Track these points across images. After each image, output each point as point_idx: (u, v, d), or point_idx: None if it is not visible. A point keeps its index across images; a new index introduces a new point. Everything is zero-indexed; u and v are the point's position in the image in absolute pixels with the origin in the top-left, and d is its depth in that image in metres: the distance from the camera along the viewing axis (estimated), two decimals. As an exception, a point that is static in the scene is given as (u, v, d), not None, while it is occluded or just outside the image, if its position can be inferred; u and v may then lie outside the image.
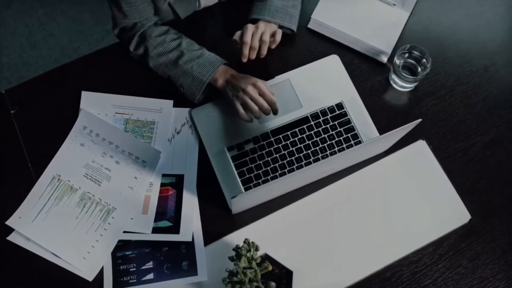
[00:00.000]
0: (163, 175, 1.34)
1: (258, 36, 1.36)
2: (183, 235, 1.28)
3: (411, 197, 1.33)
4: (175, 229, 1.29)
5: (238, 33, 1.37)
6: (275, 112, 1.32)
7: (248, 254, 1.11)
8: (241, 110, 1.30)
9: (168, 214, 1.31)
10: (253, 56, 1.37)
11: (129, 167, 1.34)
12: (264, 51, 1.38)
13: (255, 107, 1.30)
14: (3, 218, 1.29)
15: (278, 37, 1.38)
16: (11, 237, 1.28)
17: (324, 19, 1.47)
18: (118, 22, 1.39)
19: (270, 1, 1.41)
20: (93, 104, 1.40)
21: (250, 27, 1.35)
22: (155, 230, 1.29)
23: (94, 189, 1.32)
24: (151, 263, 1.27)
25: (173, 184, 1.34)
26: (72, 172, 1.34)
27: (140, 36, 1.40)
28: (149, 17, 1.39)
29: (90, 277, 1.26)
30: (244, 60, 1.36)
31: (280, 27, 1.42)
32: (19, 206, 1.30)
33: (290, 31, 1.45)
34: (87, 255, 1.27)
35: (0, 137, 1.38)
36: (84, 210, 1.30)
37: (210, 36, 1.49)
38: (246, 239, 1.13)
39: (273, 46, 1.40)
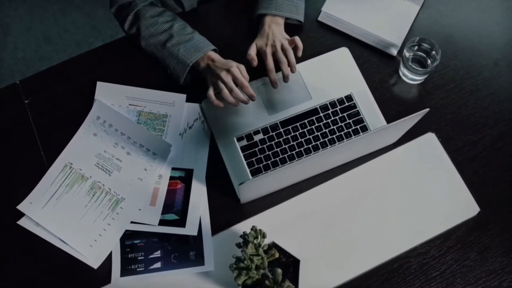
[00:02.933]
0: (173, 169, 1.36)
1: (279, 52, 1.37)
2: (189, 229, 1.30)
3: (420, 189, 1.33)
4: (181, 222, 1.30)
5: (253, 50, 1.38)
6: (251, 98, 1.32)
7: (255, 241, 1.12)
8: (212, 97, 1.31)
9: (175, 207, 1.32)
10: (287, 71, 1.37)
11: (139, 158, 1.36)
12: (294, 60, 1.37)
13: (229, 97, 1.30)
14: (15, 203, 1.31)
15: (299, 42, 1.37)
16: (21, 222, 1.30)
17: (334, 12, 1.48)
18: (115, 0, 1.41)
19: None
20: (108, 95, 1.42)
21: (268, 52, 1.36)
22: (162, 223, 1.30)
23: (105, 179, 1.34)
24: (159, 252, 1.29)
25: (182, 178, 1.35)
26: (84, 161, 1.35)
27: (135, 15, 1.41)
28: None
29: (95, 265, 1.27)
30: (276, 86, 1.38)
31: (287, 19, 1.43)
32: (31, 192, 1.32)
33: (297, 21, 1.46)
34: (93, 243, 1.28)
35: (14, 126, 1.40)
36: (93, 199, 1.32)
37: (215, 29, 1.50)
38: (253, 226, 1.13)
39: (299, 54, 1.38)
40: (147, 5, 1.42)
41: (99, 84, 1.43)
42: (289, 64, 1.36)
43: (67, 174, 1.34)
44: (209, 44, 1.38)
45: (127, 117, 1.39)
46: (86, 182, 1.34)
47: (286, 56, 1.37)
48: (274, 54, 1.37)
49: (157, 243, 1.29)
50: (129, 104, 1.41)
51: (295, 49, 1.38)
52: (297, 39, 1.37)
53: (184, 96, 1.41)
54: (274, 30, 1.39)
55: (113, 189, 1.33)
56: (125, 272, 1.27)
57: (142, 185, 1.33)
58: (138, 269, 1.27)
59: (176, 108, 1.41)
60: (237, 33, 1.49)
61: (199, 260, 1.27)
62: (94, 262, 1.28)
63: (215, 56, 1.36)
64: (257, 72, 1.41)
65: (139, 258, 1.28)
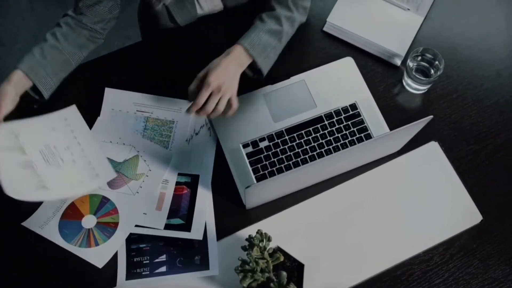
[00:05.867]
0: (179, 174, 1.37)
1: (215, 101, 1.29)
2: (194, 234, 1.30)
3: (423, 197, 1.34)
4: (187, 227, 1.31)
5: (194, 84, 1.31)
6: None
7: (260, 244, 1.13)
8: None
9: (181, 212, 1.33)
10: (211, 116, 1.31)
11: (80, 171, 1.36)
12: (213, 116, 1.31)
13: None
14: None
15: (235, 104, 1.32)
16: (26, 223, 1.31)
17: (339, 22, 1.51)
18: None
19: (257, 31, 1.35)
20: (115, 101, 1.44)
21: (212, 87, 1.28)
22: (168, 227, 1.31)
23: (42, 165, 1.33)
24: (164, 256, 1.29)
25: (188, 184, 1.36)
26: (31, 140, 1.34)
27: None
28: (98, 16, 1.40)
29: (100, 264, 1.28)
30: (189, 114, 1.32)
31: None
32: None
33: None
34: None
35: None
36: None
37: (212, 44, 1.50)
38: (259, 229, 1.15)
39: (230, 114, 1.33)
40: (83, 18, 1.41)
41: (107, 90, 1.45)
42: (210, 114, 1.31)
43: (10, 139, 1.32)
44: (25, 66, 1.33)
45: (92, 134, 1.40)
46: (22, 156, 1.32)
47: (217, 109, 1.30)
48: (211, 95, 1.29)
49: (163, 247, 1.30)
50: (137, 110, 1.43)
51: (228, 106, 1.32)
52: (234, 99, 1.32)
53: (190, 102, 1.43)
54: (232, 73, 1.32)
55: (43, 176, 1.31)
56: (130, 275, 1.27)
57: (143, 189, 1.35)
58: (143, 273, 1.28)
59: (183, 114, 1.43)
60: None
61: (204, 264, 1.28)
62: (99, 261, 1.28)
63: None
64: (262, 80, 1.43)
65: (144, 262, 1.29)
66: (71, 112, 1.41)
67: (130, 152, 1.39)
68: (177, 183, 1.36)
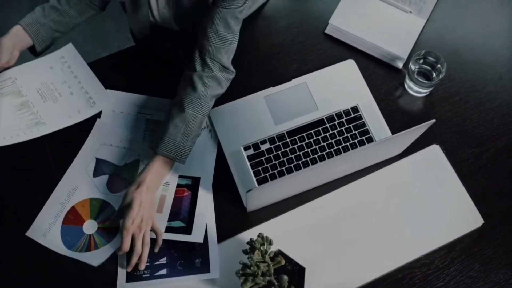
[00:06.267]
0: (180, 177, 1.36)
1: (141, 239, 1.25)
2: (195, 236, 1.30)
3: (424, 200, 1.34)
4: (188, 230, 1.31)
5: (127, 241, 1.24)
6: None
7: (261, 248, 1.13)
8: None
9: (182, 214, 1.33)
10: (134, 261, 1.25)
11: (78, 101, 1.42)
12: (145, 256, 1.25)
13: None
14: None
15: (160, 240, 1.27)
16: (30, 233, 1.30)
17: (341, 24, 1.50)
18: None
19: (166, 133, 1.28)
20: (116, 103, 1.44)
21: (131, 230, 1.23)
22: (168, 230, 1.31)
23: (38, 103, 1.40)
24: (164, 258, 1.29)
25: (189, 186, 1.36)
26: (28, 81, 1.42)
27: None
28: None
29: (96, 263, 1.26)
30: (129, 269, 1.26)
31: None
32: None
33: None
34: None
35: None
36: (17, 113, 1.39)
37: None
38: (260, 233, 1.14)
39: (156, 250, 1.28)
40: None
41: (109, 92, 1.45)
42: (139, 258, 1.25)
43: (7, 84, 1.40)
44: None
45: (90, 69, 1.45)
46: (19, 98, 1.40)
47: (143, 250, 1.25)
48: (134, 237, 1.24)
49: (163, 249, 1.29)
50: (138, 112, 1.43)
51: (153, 240, 1.28)
52: (159, 233, 1.28)
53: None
54: (147, 202, 1.26)
55: (40, 112, 1.39)
56: (130, 278, 1.27)
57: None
58: (143, 275, 1.27)
59: None
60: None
61: (204, 267, 1.28)
62: (95, 261, 1.27)
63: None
64: (263, 82, 1.42)
65: (145, 264, 1.29)
66: (68, 50, 1.48)
67: (131, 156, 1.38)
68: (178, 186, 1.36)
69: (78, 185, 1.35)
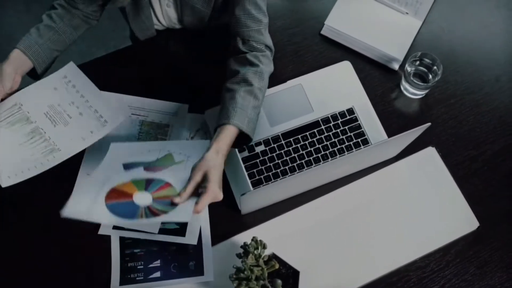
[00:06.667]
0: None
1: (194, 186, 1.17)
2: (189, 238, 1.29)
3: (420, 202, 1.33)
4: (181, 231, 1.30)
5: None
6: None
7: (255, 252, 1.12)
8: None
9: None
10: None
11: (89, 121, 1.35)
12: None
13: None
14: None
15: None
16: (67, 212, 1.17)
17: (337, 25, 1.50)
18: None
19: (232, 101, 1.27)
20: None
21: (217, 195, 1.17)
22: (162, 231, 1.30)
23: (48, 128, 1.34)
24: (158, 261, 1.28)
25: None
26: (34, 106, 1.36)
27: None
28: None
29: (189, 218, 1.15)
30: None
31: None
32: None
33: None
34: None
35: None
36: (30, 141, 1.33)
37: (211, 47, 1.51)
38: (254, 237, 1.14)
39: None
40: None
41: (102, 94, 1.43)
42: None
43: (13, 112, 1.35)
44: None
45: (94, 85, 1.39)
46: (29, 125, 1.34)
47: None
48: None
49: (157, 252, 1.29)
50: (132, 114, 1.42)
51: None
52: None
53: (186, 106, 1.42)
54: (220, 165, 1.22)
55: (52, 138, 1.33)
56: (124, 280, 1.26)
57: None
58: (137, 278, 1.27)
59: (179, 118, 1.41)
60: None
61: (198, 270, 1.27)
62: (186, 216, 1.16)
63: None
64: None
65: (138, 267, 1.28)
66: (70, 69, 1.41)
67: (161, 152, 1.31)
68: (173, 187, 1.35)
69: (109, 174, 1.25)
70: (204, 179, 1.17)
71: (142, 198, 1.18)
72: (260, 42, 1.35)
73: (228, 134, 1.24)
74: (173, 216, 1.15)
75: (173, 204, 1.15)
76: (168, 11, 1.48)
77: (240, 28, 1.34)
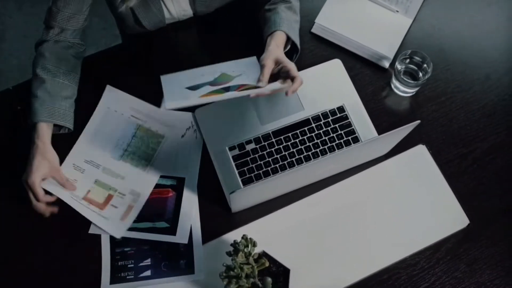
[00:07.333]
0: (164, 177, 1.36)
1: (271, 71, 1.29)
2: (179, 237, 1.29)
3: (410, 200, 1.34)
4: (172, 230, 1.30)
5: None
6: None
7: (245, 250, 1.12)
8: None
9: (166, 215, 1.32)
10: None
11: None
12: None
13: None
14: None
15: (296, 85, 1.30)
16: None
17: (327, 24, 1.50)
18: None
19: (277, 14, 1.38)
20: (113, 100, 1.42)
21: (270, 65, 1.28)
22: (152, 230, 1.30)
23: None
24: (149, 260, 1.28)
25: (174, 186, 1.35)
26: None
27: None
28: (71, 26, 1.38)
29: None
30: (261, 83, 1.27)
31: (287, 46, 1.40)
32: None
33: (293, 56, 1.42)
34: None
35: (8, 132, 1.40)
36: None
37: (181, 53, 1.51)
38: (244, 235, 1.14)
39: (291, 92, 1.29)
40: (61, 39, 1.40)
41: (108, 88, 1.44)
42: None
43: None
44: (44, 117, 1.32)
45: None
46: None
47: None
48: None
49: (148, 251, 1.29)
50: (131, 115, 1.42)
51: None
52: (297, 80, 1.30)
53: (189, 117, 1.41)
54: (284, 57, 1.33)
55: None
56: (114, 279, 1.26)
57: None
58: (128, 277, 1.26)
59: (176, 131, 1.41)
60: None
61: (189, 268, 1.27)
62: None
63: (45, 139, 1.32)
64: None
65: (129, 265, 1.27)
66: (111, 93, 1.42)
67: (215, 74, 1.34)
68: (163, 186, 1.35)
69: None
70: (279, 65, 1.30)
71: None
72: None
73: (279, 38, 1.35)
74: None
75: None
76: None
77: None
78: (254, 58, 1.32)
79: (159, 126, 1.41)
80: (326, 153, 1.37)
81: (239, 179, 1.34)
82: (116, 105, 1.42)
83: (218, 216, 1.32)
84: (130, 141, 1.39)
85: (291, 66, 1.29)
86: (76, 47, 1.42)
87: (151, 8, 1.43)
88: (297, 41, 1.38)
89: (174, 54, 1.50)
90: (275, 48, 1.32)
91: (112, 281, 1.26)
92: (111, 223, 1.30)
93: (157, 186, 1.35)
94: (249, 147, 1.37)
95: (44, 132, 1.31)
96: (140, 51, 1.52)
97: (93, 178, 1.35)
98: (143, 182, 1.35)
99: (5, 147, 1.38)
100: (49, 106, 1.32)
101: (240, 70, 1.29)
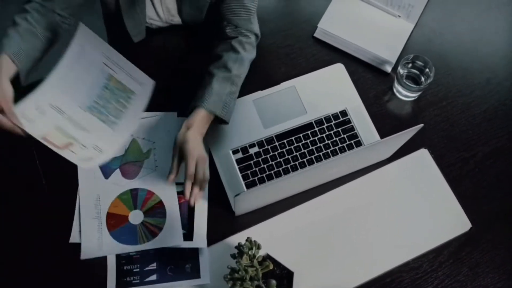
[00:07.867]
0: (176, 184, 1.34)
1: (204, 168, 1.27)
2: (197, 242, 1.29)
3: (413, 204, 1.34)
4: (189, 236, 1.29)
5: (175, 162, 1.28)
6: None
7: (250, 252, 1.12)
8: None
9: (182, 221, 1.31)
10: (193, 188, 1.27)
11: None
12: (203, 188, 1.28)
13: None
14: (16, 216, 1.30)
15: (208, 174, 1.30)
16: (85, 255, 1.27)
17: (330, 28, 1.50)
18: None
19: (209, 87, 1.32)
20: (87, 41, 1.26)
21: (194, 156, 1.26)
22: None
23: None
24: (154, 264, 1.27)
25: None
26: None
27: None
28: None
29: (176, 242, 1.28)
30: (192, 202, 1.27)
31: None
32: None
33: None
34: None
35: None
36: None
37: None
38: (248, 237, 1.14)
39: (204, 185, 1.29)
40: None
41: (82, 27, 1.23)
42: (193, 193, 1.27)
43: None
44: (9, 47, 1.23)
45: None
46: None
47: (206, 175, 1.28)
48: (197, 165, 1.27)
49: (153, 255, 1.28)
50: (103, 63, 1.28)
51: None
52: (207, 169, 1.30)
53: (152, 81, 1.34)
54: (201, 143, 1.30)
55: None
56: (120, 284, 1.25)
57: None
58: (133, 281, 1.25)
59: (143, 89, 1.33)
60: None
61: (195, 272, 1.26)
62: (178, 240, 1.29)
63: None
64: (251, 85, 1.43)
65: (134, 270, 1.27)
66: (85, 33, 1.24)
67: (128, 139, 1.38)
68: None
69: (98, 193, 1.33)
70: (182, 155, 1.27)
71: (136, 216, 1.32)
72: (249, 30, 1.41)
73: (200, 115, 1.30)
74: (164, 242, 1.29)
75: (161, 209, 1.30)
76: (167, 2, 1.47)
77: (231, 16, 1.39)
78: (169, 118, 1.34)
79: (130, 81, 1.32)
80: (329, 156, 1.38)
81: (243, 183, 1.34)
82: (89, 47, 1.26)
83: (222, 219, 1.32)
84: (100, 92, 1.29)
85: (188, 161, 1.25)
86: (63, 18, 1.36)
87: (136, 7, 1.41)
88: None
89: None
90: (183, 131, 1.28)
91: (118, 286, 1.25)
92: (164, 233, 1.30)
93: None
94: (253, 150, 1.37)
95: (6, 67, 1.20)
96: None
97: (54, 123, 1.23)
98: (108, 140, 1.28)
99: (5, 147, 1.38)
100: (17, 46, 1.23)
101: (151, 140, 1.38)
